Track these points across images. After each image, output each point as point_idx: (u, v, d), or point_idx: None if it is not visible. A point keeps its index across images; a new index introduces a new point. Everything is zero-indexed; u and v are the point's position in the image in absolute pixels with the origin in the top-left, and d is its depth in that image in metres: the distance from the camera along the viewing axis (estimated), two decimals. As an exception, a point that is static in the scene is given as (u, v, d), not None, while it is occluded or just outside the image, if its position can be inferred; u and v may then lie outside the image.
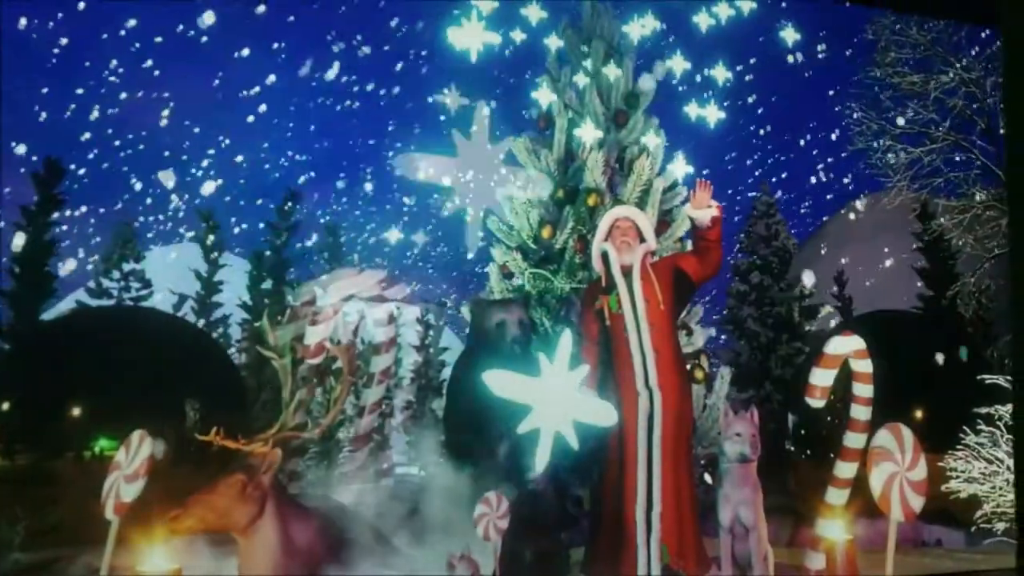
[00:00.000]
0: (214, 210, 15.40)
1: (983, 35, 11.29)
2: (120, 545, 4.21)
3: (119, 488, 4.32)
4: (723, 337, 12.04)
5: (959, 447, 6.15)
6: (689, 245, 6.69)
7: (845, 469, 4.85)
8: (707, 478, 6.10)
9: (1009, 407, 6.06)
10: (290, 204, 14.36)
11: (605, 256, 4.65)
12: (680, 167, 7.13)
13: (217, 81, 26.08)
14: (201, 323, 14.37)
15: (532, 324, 5.26)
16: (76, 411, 7.12)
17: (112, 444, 6.67)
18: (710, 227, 4.48)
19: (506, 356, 4.87)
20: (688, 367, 5.90)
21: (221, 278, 15.08)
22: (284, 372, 4.26)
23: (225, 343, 14.09)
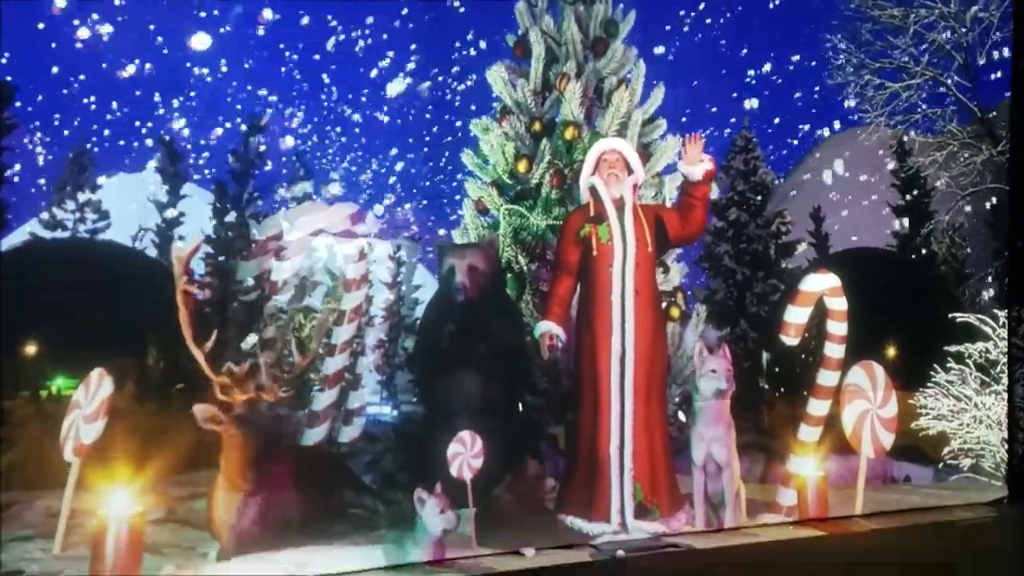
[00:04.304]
0: (175, 138, 14.84)
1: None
2: (80, 487, 4.10)
3: (79, 428, 4.18)
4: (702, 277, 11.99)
5: (929, 384, 6.18)
6: (667, 183, 6.57)
7: (818, 407, 4.87)
8: (681, 416, 6.09)
9: (979, 345, 6.10)
10: (255, 131, 13.76)
11: (594, 190, 4.51)
12: (659, 99, 6.93)
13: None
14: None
15: (496, 268, 5.01)
16: (31, 348, 6.87)
17: (70, 383, 6.47)
18: (699, 182, 4.36)
19: (448, 303, 4.69)
20: (664, 305, 5.84)
21: (183, 209, 14.57)
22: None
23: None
